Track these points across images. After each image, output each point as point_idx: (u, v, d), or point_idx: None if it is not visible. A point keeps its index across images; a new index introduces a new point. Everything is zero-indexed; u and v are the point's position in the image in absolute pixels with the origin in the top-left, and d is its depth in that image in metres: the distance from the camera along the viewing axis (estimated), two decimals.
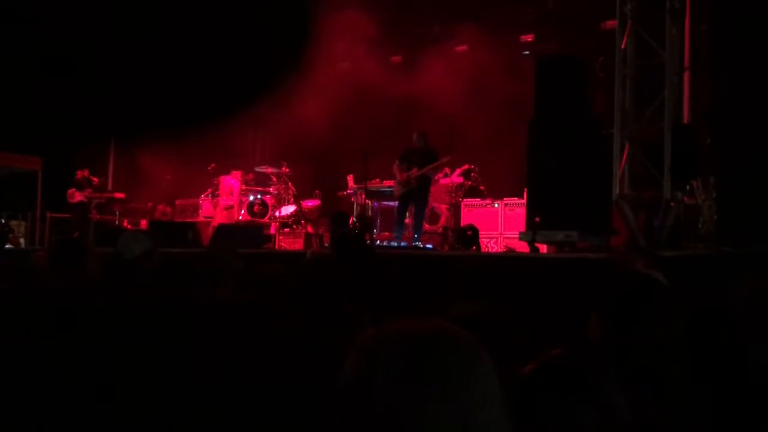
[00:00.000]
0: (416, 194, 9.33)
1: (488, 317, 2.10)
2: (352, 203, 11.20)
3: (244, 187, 12.04)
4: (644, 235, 6.49)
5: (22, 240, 12.64)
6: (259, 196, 11.94)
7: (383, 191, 10.37)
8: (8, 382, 1.97)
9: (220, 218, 11.71)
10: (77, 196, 11.97)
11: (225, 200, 12.00)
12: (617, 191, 6.63)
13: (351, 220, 9.40)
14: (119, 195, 13.02)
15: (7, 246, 10.78)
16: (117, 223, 12.33)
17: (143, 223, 12.08)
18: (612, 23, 8.02)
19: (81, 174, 12.22)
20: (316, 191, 12.47)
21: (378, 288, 4.66)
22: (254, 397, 1.80)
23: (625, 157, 6.70)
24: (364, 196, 10.42)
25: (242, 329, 2.27)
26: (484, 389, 0.98)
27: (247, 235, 9.11)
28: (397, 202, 9.73)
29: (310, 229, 11.36)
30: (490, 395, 0.98)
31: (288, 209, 11.75)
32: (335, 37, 12.19)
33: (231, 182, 12.10)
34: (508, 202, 10.39)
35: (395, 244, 9.26)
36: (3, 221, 12.46)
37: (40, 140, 12.46)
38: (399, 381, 0.95)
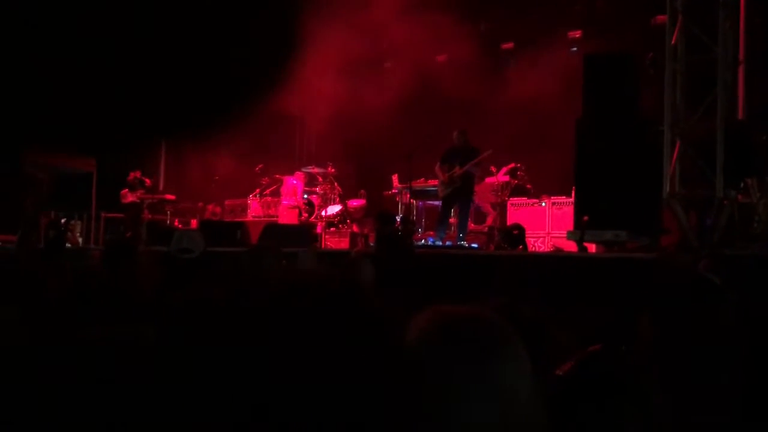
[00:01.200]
0: (460, 193, 9.30)
1: (519, 311, 2.09)
2: (397, 203, 11.23)
3: (306, 188, 12.19)
4: (696, 235, 6.34)
5: (80, 239, 13.06)
6: (306, 196, 12.08)
7: (428, 191, 10.36)
8: (64, 375, 2.05)
9: (285, 218, 11.86)
10: (130, 197, 12.30)
11: (288, 200, 12.11)
12: (668, 190, 6.49)
13: (397, 220, 9.43)
14: (170, 196, 13.32)
15: (67, 245, 11.15)
16: (168, 222, 12.63)
17: (194, 223, 12.33)
18: (663, 18, 7.85)
19: (133, 175, 12.55)
20: (361, 191, 12.54)
21: (418, 286, 4.68)
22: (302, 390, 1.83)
23: (675, 154, 6.56)
24: (409, 195, 10.44)
25: (285, 325, 2.30)
26: (514, 370, 1.08)
27: (295, 235, 9.21)
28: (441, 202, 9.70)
29: (355, 229, 11.42)
30: (520, 377, 1.08)
31: (334, 209, 11.85)
32: (380, 36, 12.22)
33: (294, 183, 12.23)
34: (556, 200, 10.26)
35: (439, 242, 9.23)
36: (63, 221, 12.89)
37: (94, 142, 12.84)
38: (434, 350, 1.08)
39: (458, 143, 9.38)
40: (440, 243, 9.22)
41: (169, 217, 12.92)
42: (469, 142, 9.41)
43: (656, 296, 2.08)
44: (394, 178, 11.34)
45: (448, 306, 1.16)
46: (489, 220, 10.90)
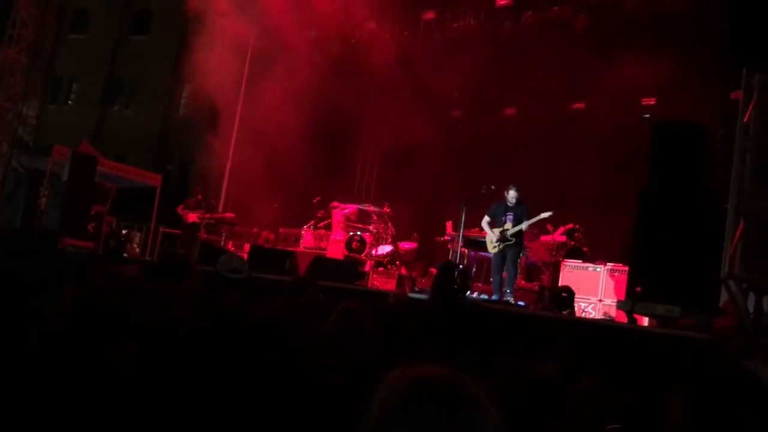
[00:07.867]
0: (512, 249, 9.07)
1: (534, 374, 2.02)
2: (449, 250, 11.13)
3: (350, 221, 12.19)
4: (754, 321, 6.01)
5: (138, 250, 13.43)
6: (358, 233, 12.10)
7: (481, 241, 10.20)
8: (90, 384, 2.10)
9: (333, 252, 11.86)
10: (190, 217, 12.52)
11: (338, 235, 12.13)
12: (726, 269, 6.21)
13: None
14: (229, 215, 13.41)
15: (125, 255, 11.49)
16: (222, 244, 12.79)
17: (246, 247, 12.48)
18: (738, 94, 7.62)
19: (196, 196, 12.79)
20: (414, 234, 12.49)
21: (463, 338, 4.59)
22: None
23: (738, 234, 6.28)
24: (461, 244, 10.30)
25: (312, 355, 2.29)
26: None
27: (341, 270, 9.22)
28: (492, 255, 9.45)
29: (404, 271, 11.36)
30: None
31: (385, 249, 11.83)
32: (448, 86, 12.32)
33: (343, 212, 12.25)
34: (613, 268, 9.96)
35: (495, 297, 8.97)
36: (124, 232, 13.32)
37: (162, 160, 13.28)
38: (397, 419, 1.03)
39: (509, 199, 9.11)
40: (495, 297, 8.95)
41: (223, 238, 13.09)
42: (519, 199, 9.13)
43: (696, 380, 1.97)
44: (448, 225, 11.26)
45: (420, 368, 1.10)
46: (542, 279, 10.67)
